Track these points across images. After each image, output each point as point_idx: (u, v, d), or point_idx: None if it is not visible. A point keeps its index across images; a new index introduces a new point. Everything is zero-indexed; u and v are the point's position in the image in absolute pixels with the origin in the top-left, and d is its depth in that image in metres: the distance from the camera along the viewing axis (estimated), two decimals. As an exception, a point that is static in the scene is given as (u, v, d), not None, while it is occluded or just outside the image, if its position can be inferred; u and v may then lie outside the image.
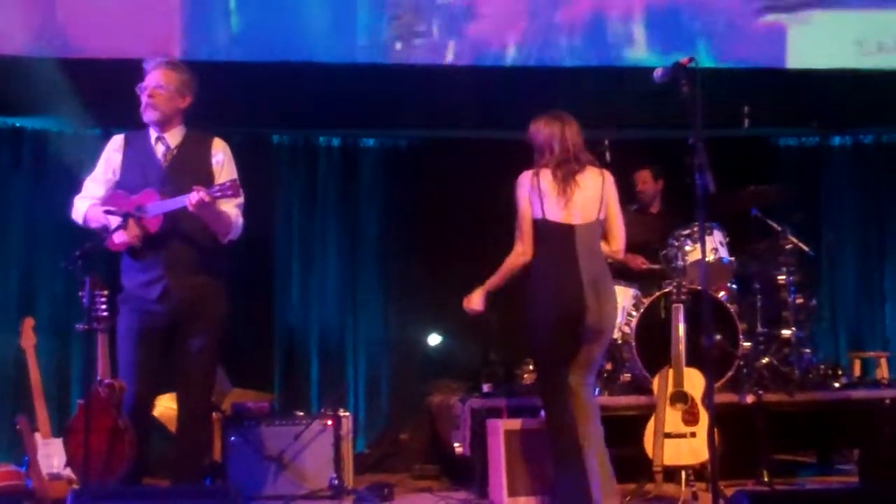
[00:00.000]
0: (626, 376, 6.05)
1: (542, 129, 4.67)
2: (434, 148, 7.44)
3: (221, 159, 4.67)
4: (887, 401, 5.89)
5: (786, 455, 6.47)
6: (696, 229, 5.80)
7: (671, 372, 5.27)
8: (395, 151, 7.53)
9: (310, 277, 7.34)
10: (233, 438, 5.59)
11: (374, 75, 6.73)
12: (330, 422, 5.70)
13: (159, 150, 4.64)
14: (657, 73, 4.19)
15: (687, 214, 5.86)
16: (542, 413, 4.84)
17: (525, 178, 4.64)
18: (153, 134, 4.65)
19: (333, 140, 7.48)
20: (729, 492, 4.66)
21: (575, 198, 4.59)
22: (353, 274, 7.39)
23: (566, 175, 4.59)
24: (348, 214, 7.42)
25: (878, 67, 7.12)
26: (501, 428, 5.35)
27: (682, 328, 5.24)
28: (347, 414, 5.89)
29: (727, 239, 6.13)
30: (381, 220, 7.43)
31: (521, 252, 4.64)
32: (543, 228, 4.60)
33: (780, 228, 6.32)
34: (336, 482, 5.61)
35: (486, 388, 5.94)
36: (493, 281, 4.80)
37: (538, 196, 4.58)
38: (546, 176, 4.60)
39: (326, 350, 7.25)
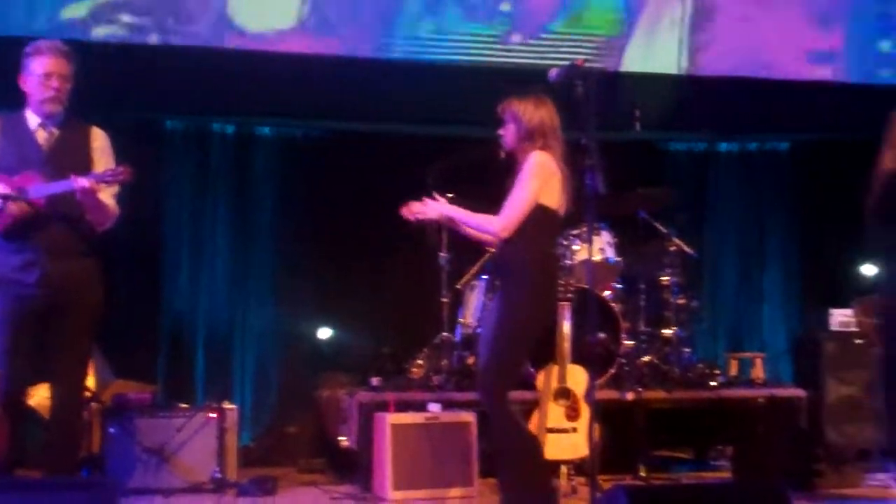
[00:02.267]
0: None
1: (535, 112, 4.50)
2: (330, 140, 7.40)
3: (100, 146, 4.60)
4: (760, 400, 6.08)
5: (664, 451, 6.63)
6: (584, 229, 5.91)
7: (556, 368, 5.36)
8: (290, 141, 7.46)
9: (199, 266, 7.22)
10: (112, 430, 5.49)
11: (264, 61, 6.71)
12: (214, 414, 5.65)
13: (41, 134, 4.53)
14: (552, 73, 4.25)
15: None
16: (492, 405, 4.54)
17: (549, 161, 4.45)
18: (33, 117, 4.54)
19: (228, 127, 7.38)
20: (607, 486, 4.80)
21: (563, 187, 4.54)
22: (244, 264, 7.30)
23: (561, 162, 4.51)
24: (241, 203, 7.32)
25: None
26: (389, 422, 5.38)
27: (567, 326, 5.33)
28: (233, 406, 5.84)
29: (615, 240, 6.25)
30: (274, 210, 7.35)
31: (502, 229, 4.45)
32: (544, 216, 4.47)
33: (665, 231, 6.48)
34: (218, 475, 5.56)
35: (374, 381, 5.94)
36: (462, 218, 4.63)
37: (554, 181, 4.47)
38: (553, 160, 4.50)
39: (213, 341, 7.15)
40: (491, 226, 4.50)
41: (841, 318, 6.09)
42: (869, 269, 6.58)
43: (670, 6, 7.37)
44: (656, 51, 7.39)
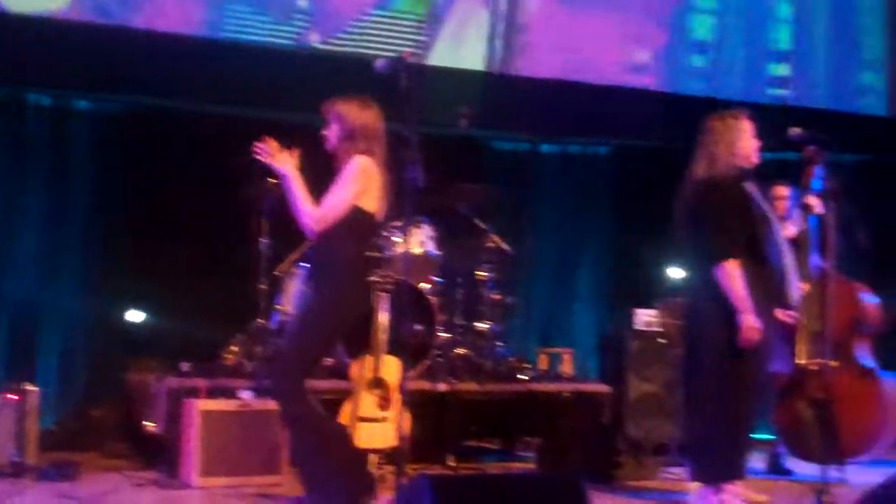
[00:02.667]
0: (329, 361, 6.14)
1: (359, 114, 4.50)
2: (150, 117, 7.17)
3: None
4: (566, 394, 6.28)
5: (474, 442, 6.76)
6: (405, 222, 5.97)
7: (371, 358, 5.40)
8: (109, 116, 7.19)
9: (8, 243, 6.90)
10: None
11: (87, 34, 6.48)
12: (14, 396, 5.44)
13: None
14: (379, 63, 4.28)
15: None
16: (284, 393, 4.53)
17: (370, 166, 4.47)
18: None
19: (44, 99, 7.07)
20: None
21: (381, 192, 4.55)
22: (55, 241, 7.00)
23: (382, 167, 4.53)
24: (56, 178, 7.02)
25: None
26: (197, 408, 5.30)
27: (384, 317, 5.38)
28: (34, 388, 5.63)
29: (435, 234, 6.32)
30: (89, 187, 7.06)
31: (316, 222, 4.44)
32: (360, 218, 4.48)
33: (484, 227, 6.62)
34: (17, 459, 5.36)
35: (184, 367, 5.84)
36: (294, 190, 4.49)
37: (374, 187, 4.49)
38: (374, 165, 4.51)
39: (18, 320, 6.85)
40: (307, 216, 4.49)
41: (645, 318, 6.34)
42: (676, 273, 6.86)
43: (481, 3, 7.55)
44: (465, 48, 7.56)
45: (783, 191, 5.87)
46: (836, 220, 4.58)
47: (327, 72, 6.83)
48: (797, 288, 4.91)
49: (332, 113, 4.56)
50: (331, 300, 4.47)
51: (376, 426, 5.36)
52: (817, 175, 4.78)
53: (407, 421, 5.17)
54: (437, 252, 6.31)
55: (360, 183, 4.46)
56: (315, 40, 7.20)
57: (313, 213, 4.46)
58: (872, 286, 6.10)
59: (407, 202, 4.21)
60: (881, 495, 3.68)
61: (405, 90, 4.08)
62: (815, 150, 4.72)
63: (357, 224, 4.49)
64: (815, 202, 5.29)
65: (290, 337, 4.60)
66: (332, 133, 4.56)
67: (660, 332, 6.30)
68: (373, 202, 4.50)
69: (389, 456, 5.40)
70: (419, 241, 6.18)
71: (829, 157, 4.71)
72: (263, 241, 6.02)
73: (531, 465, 6.37)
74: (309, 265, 5.20)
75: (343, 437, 4.71)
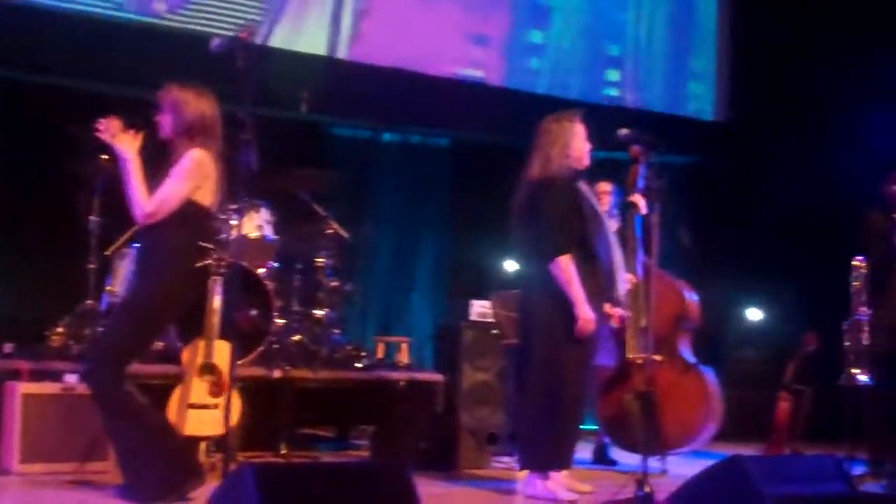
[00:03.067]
0: (160, 345, 5.99)
1: (196, 104, 4.39)
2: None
3: None
4: (402, 383, 6.31)
5: (309, 429, 6.73)
6: (242, 205, 5.88)
7: (203, 343, 5.29)
8: None
9: None
10: None
11: None
12: None
13: None
14: (214, 42, 4.20)
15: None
16: (99, 379, 4.46)
17: (206, 160, 4.36)
18: None
19: None
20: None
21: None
22: None
23: (218, 159, 4.43)
24: None
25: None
26: (19, 391, 5.09)
27: (217, 301, 5.27)
28: None
29: (273, 218, 6.26)
30: None
31: (148, 215, 4.34)
32: (193, 212, 4.40)
33: (324, 214, 6.58)
34: None
35: (6, 348, 5.59)
36: (132, 173, 4.36)
37: (209, 182, 4.39)
38: (210, 158, 4.40)
39: None
40: (139, 207, 4.38)
41: (480, 309, 6.43)
42: (511, 266, 6.98)
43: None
44: (307, 32, 7.52)
45: (606, 186, 6.06)
46: (661, 218, 4.75)
47: (165, 47, 6.65)
48: (624, 284, 5.08)
49: (168, 101, 4.45)
50: (154, 289, 4.40)
51: (207, 413, 5.23)
52: (642, 174, 4.95)
53: (237, 408, 5.11)
54: (275, 237, 6.24)
55: (196, 179, 4.39)
56: (161, 10, 7.00)
57: (146, 207, 4.36)
58: (694, 284, 6.34)
59: (242, 185, 4.14)
60: (697, 486, 3.86)
61: (242, 71, 4.01)
62: (640, 149, 4.89)
63: (189, 216, 4.42)
64: (639, 201, 5.48)
65: (110, 322, 4.46)
66: (166, 121, 4.46)
67: (492, 322, 6.40)
68: (207, 196, 4.44)
69: (220, 443, 5.31)
70: (256, 224, 6.10)
71: (657, 158, 4.87)
72: (94, 219, 5.82)
73: (365, 454, 6.38)
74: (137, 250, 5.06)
75: (163, 425, 4.61)
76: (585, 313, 4.75)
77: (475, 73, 8.15)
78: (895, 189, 5.99)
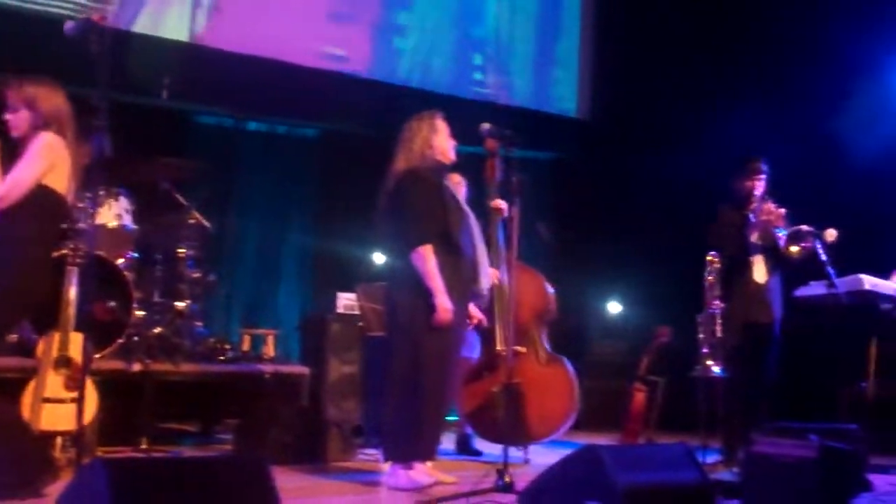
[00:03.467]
0: (13, 338, 5.79)
1: (51, 98, 4.27)
2: None
3: None
4: (267, 375, 6.26)
5: (172, 424, 6.62)
6: (100, 193, 5.75)
7: (58, 336, 5.13)
8: None
9: None
10: None
11: None
12: None
13: None
14: (68, 26, 4.08)
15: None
16: None
17: (59, 144, 4.23)
18: None
19: None
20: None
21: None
22: None
23: (72, 149, 4.29)
24: None
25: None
26: None
27: (73, 292, 5.12)
28: None
29: (133, 207, 6.12)
30: None
31: (1, 199, 4.18)
32: (46, 198, 4.25)
33: (186, 203, 6.46)
34: None
35: None
36: None
37: (63, 166, 4.24)
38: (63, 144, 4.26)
39: None
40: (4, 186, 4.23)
41: (346, 301, 6.42)
42: (378, 258, 6.99)
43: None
44: (169, 17, 7.39)
45: (456, 178, 6.13)
46: (521, 213, 4.83)
47: (17, 30, 6.42)
48: (488, 278, 5.15)
49: (22, 98, 4.31)
50: (7, 279, 4.24)
51: (62, 407, 5.08)
52: (499, 168, 5.04)
53: (94, 402, 4.98)
54: (135, 226, 6.12)
55: (47, 160, 4.26)
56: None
57: None
58: (556, 277, 6.46)
59: (97, 173, 4.03)
60: (554, 475, 3.94)
61: (96, 55, 3.90)
62: (496, 144, 4.98)
63: (42, 202, 4.29)
64: (502, 205, 5.62)
65: None
66: (20, 119, 4.32)
67: (357, 315, 6.40)
68: (61, 181, 4.32)
69: (76, 439, 5.17)
70: (115, 213, 5.97)
71: (518, 153, 4.95)
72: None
73: (230, 448, 6.30)
74: None
75: (16, 420, 4.46)
76: (444, 303, 4.80)
77: (340, 62, 8.12)
78: (747, 185, 6.21)
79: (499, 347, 5.82)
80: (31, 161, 4.24)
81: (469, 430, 6.29)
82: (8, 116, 4.32)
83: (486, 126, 5.12)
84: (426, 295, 4.82)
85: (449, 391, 5.05)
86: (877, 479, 5.31)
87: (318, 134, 8.41)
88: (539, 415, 5.92)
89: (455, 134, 5.14)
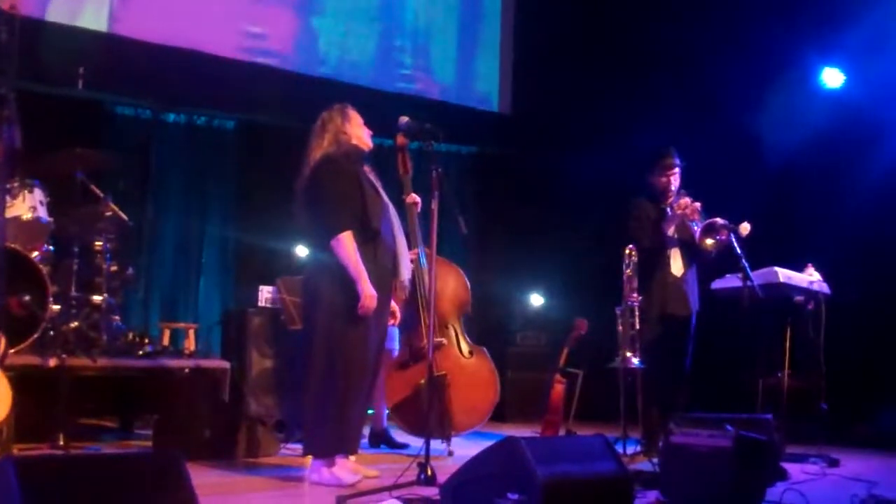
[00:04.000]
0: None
1: None
2: None
3: None
4: (186, 370, 6.19)
5: (90, 420, 6.51)
6: (14, 185, 5.64)
7: (-29, 331, 5.01)
8: None
9: None
10: None
11: None
12: None
13: None
14: (-24, 15, 4.00)
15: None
16: None
17: None
18: None
19: None
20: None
21: None
22: None
23: None
24: None
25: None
26: None
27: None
28: None
29: (48, 199, 6.01)
30: None
31: None
32: None
33: (102, 195, 6.35)
34: None
35: None
36: None
37: None
38: None
39: None
40: None
41: (268, 294, 6.38)
42: (300, 251, 6.95)
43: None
44: (85, 6, 7.25)
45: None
46: (441, 207, 4.83)
47: None
48: (408, 268, 5.14)
49: None
50: None
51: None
52: (410, 162, 5.06)
53: (9, 398, 4.87)
54: (50, 218, 5.99)
55: None
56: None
57: None
58: (479, 270, 6.50)
59: (7, 164, 3.94)
60: (475, 466, 3.96)
61: (5, 44, 3.82)
62: (407, 140, 5.00)
63: None
64: (416, 199, 5.63)
65: None
66: None
67: (279, 308, 6.36)
68: None
69: (-12, 436, 5.06)
70: (30, 206, 5.85)
71: (438, 147, 4.96)
72: None
73: (149, 444, 6.21)
74: None
75: None
76: (367, 290, 4.73)
77: (260, 53, 8.06)
78: (662, 180, 6.31)
79: (423, 340, 5.84)
80: None
81: (386, 423, 6.29)
82: None
83: (404, 119, 5.11)
84: (347, 283, 4.75)
85: (369, 384, 5.01)
86: (792, 468, 5.46)
87: (237, 125, 8.31)
88: (463, 406, 5.96)
89: (377, 127, 5.11)
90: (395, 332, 5.99)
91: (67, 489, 2.77)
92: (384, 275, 4.95)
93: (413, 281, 5.53)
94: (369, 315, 4.79)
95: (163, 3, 7.59)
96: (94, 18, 7.31)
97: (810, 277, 6.42)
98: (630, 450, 5.94)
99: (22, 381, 5.10)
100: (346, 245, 4.75)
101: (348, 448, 4.95)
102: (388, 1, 8.83)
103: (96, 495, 2.80)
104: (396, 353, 6.08)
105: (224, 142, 8.27)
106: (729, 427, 4.43)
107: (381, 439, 6.30)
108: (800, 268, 6.44)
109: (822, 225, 7.41)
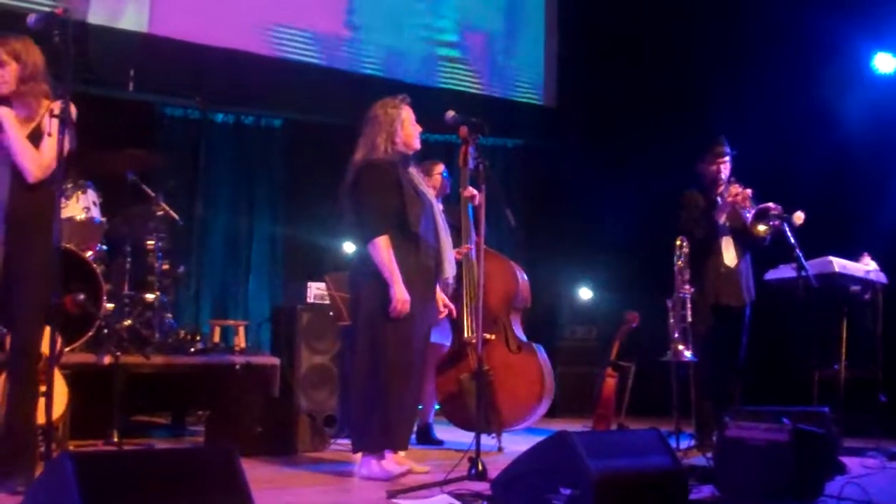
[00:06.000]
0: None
1: (37, 54, 4.17)
2: None
3: None
4: (237, 367, 6.23)
5: (143, 416, 6.58)
6: (68, 186, 5.72)
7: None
8: None
9: None
10: None
11: None
12: None
13: None
14: (30, 18, 4.04)
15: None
16: None
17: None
18: None
19: None
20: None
21: None
22: None
23: None
24: None
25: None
26: None
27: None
28: None
29: (100, 199, 6.09)
30: None
31: (45, 168, 4.07)
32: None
33: (153, 194, 6.42)
34: None
35: None
36: (11, 132, 4.13)
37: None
38: None
39: None
40: (33, 161, 4.12)
41: (316, 290, 6.40)
42: (349, 247, 6.97)
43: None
44: (129, 8, 7.31)
45: (438, 167, 6.14)
46: (488, 199, 4.82)
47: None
48: (453, 266, 5.13)
49: (9, 51, 4.17)
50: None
51: (30, 402, 5.04)
52: (472, 155, 5.03)
53: (64, 396, 4.94)
54: (103, 218, 6.08)
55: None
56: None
57: (41, 162, 4.10)
58: (528, 263, 6.46)
59: (64, 166, 3.98)
60: (526, 462, 3.94)
61: (59, 47, 3.86)
62: (468, 131, 4.97)
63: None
64: (474, 193, 5.61)
65: None
66: (9, 73, 4.18)
67: (327, 304, 6.38)
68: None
69: (46, 432, 5.12)
70: (83, 206, 5.93)
71: (486, 140, 4.94)
72: None
73: (201, 440, 6.27)
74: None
75: None
76: (400, 294, 4.77)
77: (306, 50, 8.08)
78: (712, 169, 6.23)
79: (466, 335, 5.83)
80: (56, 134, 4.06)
81: (430, 419, 6.28)
82: None
83: (450, 114, 5.11)
84: (384, 284, 4.80)
85: (414, 380, 5.00)
86: (850, 462, 5.36)
87: (284, 124, 8.35)
88: (509, 402, 5.93)
89: (422, 122, 5.10)
90: (447, 328, 5.98)
91: (124, 484, 2.80)
92: (426, 274, 4.97)
93: (459, 277, 5.51)
94: (402, 317, 4.81)
95: (211, 4, 7.63)
96: (134, 19, 7.36)
97: (866, 267, 6.31)
98: (683, 444, 5.87)
99: (77, 379, 5.18)
100: (381, 249, 4.81)
101: (396, 444, 4.94)
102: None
103: (153, 490, 2.83)
104: (445, 347, 6.07)
105: (271, 140, 8.31)
106: (785, 420, 4.36)
107: (421, 435, 6.27)
108: (855, 257, 6.34)
109: (877, 213, 7.29)
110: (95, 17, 7.14)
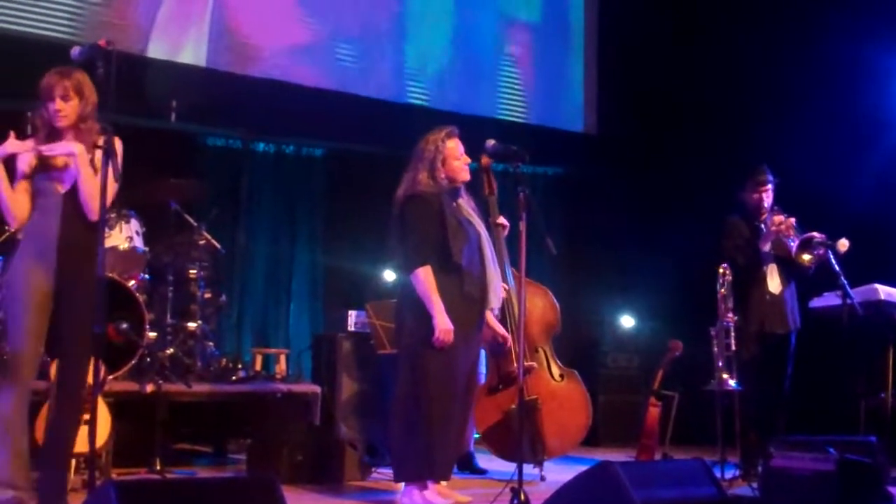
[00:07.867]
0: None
1: (91, 87, 4.21)
2: None
3: None
4: (279, 395, 6.25)
5: (185, 445, 6.60)
6: (111, 216, 5.77)
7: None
8: None
9: None
10: None
11: None
12: None
13: None
14: (74, 51, 4.11)
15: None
16: None
17: None
18: None
19: None
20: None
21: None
22: None
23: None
24: None
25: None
26: None
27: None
28: None
29: (143, 229, 6.15)
30: None
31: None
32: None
33: (196, 224, 6.48)
34: None
35: None
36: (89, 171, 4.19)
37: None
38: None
39: None
40: (97, 200, 4.05)
41: (357, 319, 6.42)
42: (389, 276, 6.99)
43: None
44: (182, 41, 7.39)
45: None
46: (529, 228, 4.81)
47: (23, 55, 6.44)
48: (498, 296, 5.12)
49: (73, 85, 4.21)
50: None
51: (76, 429, 5.07)
52: (495, 183, 5.05)
53: (107, 424, 4.97)
54: (145, 248, 6.13)
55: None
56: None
57: (96, 205, 4.09)
58: (569, 292, 6.43)
59: (107, 196, 4.02)
60: (569, 492, 3.91)
61: (102, 79, 3.91)
62: (490, 160, 4.98)
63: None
64: (503, 221, 5.63)
65: None
66: (71, 108, 4.22)
67: (369, 333, 6.38)
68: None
69: (89, 460, 5.16)
70: (126, 236, 5.98)
71: (526, 168, 4.94)
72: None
73: (243, 468, 6.27)
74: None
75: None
76: (443, 324, 4.78)
77: (348, 80, 8.13)
78: (755, 197, 6.19)
79: (513, 365, 5.79)
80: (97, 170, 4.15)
81: (471, 448, 6.24)
82: (59, 105, 4.21)
83: (490, 142, 5.13)
84: (428, 315, 4.81)
85: (457, 409, 4.98)
86: (898, 492, 5.26)
87: (325, 153, 8.40)
88: (555, 430, 5.88)
89: (466, 151, 5.10)
90: (482, 357, 5.95)
91: (167, 513, 2.81)
92: (470, 305, 4.97)
93: (502, 307, 5.49)
94: (445, 347, 4.80)
95: (255, 36, 7.71)
96: (193, 54, 7.46)
97: (912, 294, 6.23)
98: (728, 474, 5.80)
99: (120, 407, 5.21)
100: (423, 280, 4.84)
101: (438, 474, 4.92)
102: (473, 26, 8.83)
103: (195, 520, 2.84)
104: (484, 377, 6.04)
105: (312, 169, 8.36)
106: (831, 450, 4.30)
107: (463, 464, 6.23)
108: (900, 284, 6.26)
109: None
110: (154, 51, 7.26)
